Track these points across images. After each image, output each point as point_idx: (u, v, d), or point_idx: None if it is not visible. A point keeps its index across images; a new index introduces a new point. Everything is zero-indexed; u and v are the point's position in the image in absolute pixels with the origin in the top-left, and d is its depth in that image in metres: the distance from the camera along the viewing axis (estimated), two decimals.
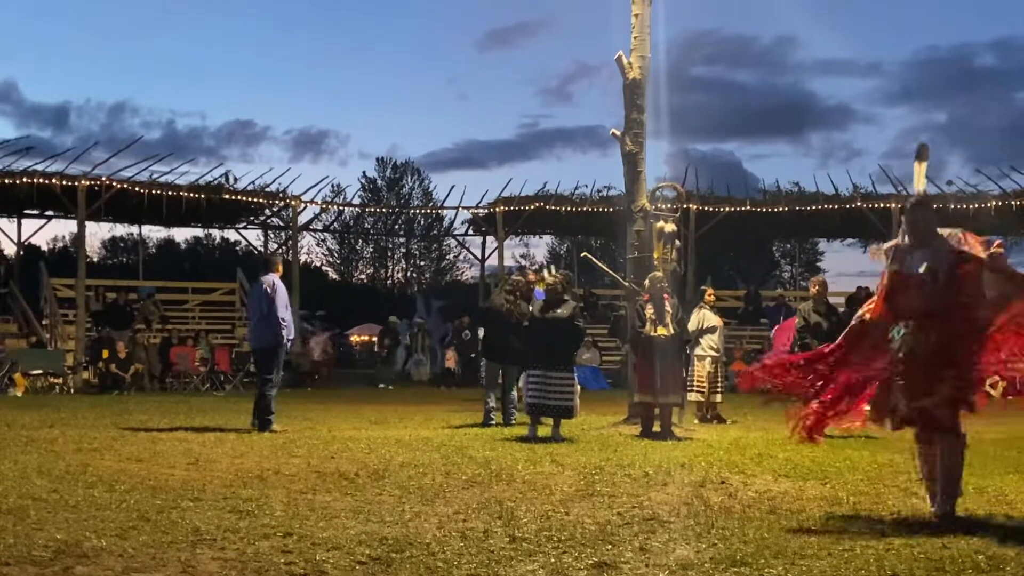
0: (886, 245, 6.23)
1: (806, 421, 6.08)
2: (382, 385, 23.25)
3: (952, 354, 5.88)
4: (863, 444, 9.49)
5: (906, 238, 6.01)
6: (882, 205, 25.31)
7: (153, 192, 24.08)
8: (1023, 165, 24.90)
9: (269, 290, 11.06)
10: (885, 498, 6.43)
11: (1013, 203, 24.15)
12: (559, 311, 10.74)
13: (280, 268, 11.53)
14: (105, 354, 20.18)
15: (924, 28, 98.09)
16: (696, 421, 13.11)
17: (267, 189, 26.25)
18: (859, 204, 25.70)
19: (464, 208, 28.28)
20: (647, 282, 11.53)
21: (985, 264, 5.80)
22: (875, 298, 6.11)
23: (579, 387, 11.11)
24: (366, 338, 37.57)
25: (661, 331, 11.09)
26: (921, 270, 5.78)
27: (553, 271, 11.45)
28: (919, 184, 6.69)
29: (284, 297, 11.15)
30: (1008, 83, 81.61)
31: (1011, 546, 4.87)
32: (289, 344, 11.43)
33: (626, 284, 13.18)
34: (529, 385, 10.75)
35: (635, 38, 12.77)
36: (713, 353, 13.68)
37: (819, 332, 11.45)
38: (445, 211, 31.19)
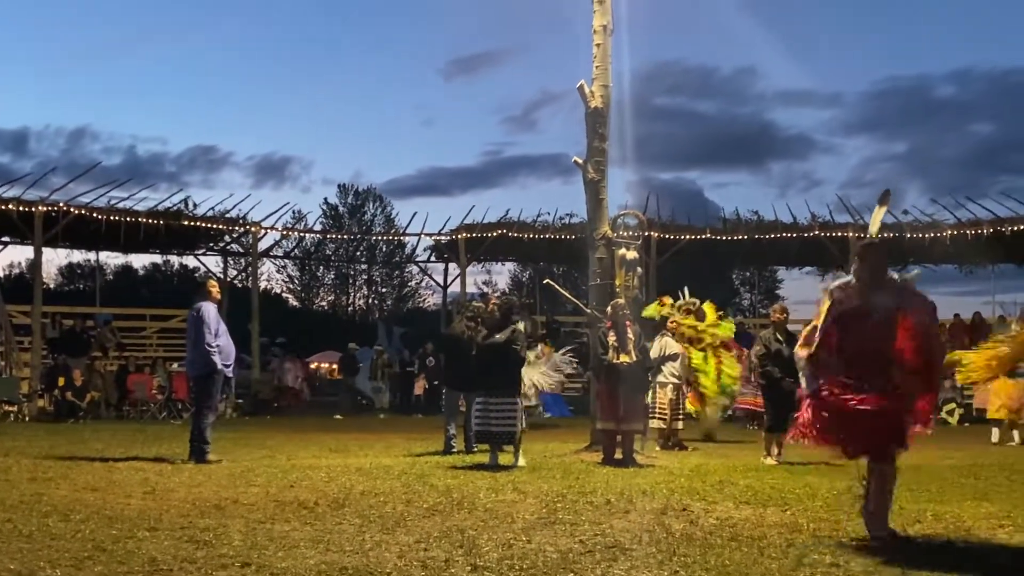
0: (837, 283, 6.30)
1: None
2: (378, 411, 23.17)
3: (904, 392, 5.96)
4: (823, 471, 9.55)
5: (861, 277, 6.11)
6: (839, 234, 25.62)
7: (111, 218, 23.87)
8: (979, 195, 25.37)
9: (195, 317, 10.93)
10: (844, 525, 6.46)
11: (968, 232, 24.51)
12: (497, 336, 10.74)
13: (214, 293, 11.24)
14: (61, 382, 19.92)
15: (884, 59, 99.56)
16: (658, 448, 13.14)
17: (227, 215, 26.10)
18: (817, 233, 26.00)
19: (426, 235, 28.29)
20: (609, 309, 11.56)
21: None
22: (808, 333, 6.24)
23: (544, 409, 11.11)
24: (326, 366, 37.28)
25: (624, 358, 11.12)
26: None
27: (494, 296, 11.48)
28: (875, 227, 6.85)
29: (214, 323, 10.83)
30: (965, 114, 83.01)
31: (968, 571, 4.91)
32: (228, 371, 11.19)
33: (588, 311, 13.21)
34: (474, 412, 10.75)
35: (597, 67, 12.88)
36: (675, 380, 13.75)
37: (780, 360, 11.56)
38: (407, 238, 31.16)
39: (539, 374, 15.70)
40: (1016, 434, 14.39)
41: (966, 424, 20.30)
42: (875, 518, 5.99)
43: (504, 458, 10.50)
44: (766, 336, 12.22)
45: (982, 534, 6.23)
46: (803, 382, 6.49)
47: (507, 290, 47.95)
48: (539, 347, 18.40)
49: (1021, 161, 79.19)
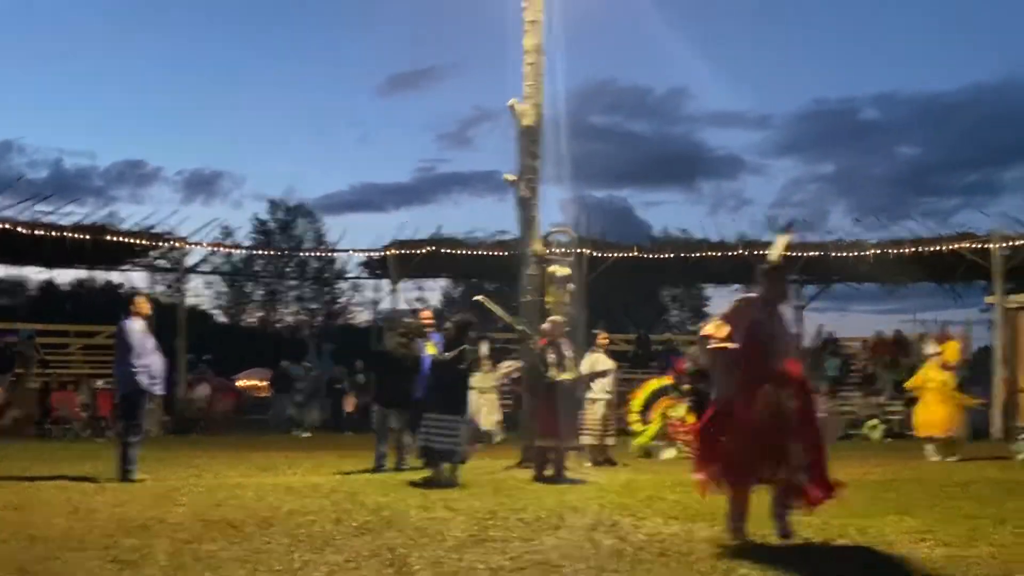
0: (744, 296, 6.79)
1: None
2: (299, 432, 22.82)
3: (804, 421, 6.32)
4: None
5: (765, 297, 6.55)
6: (766, 253, 26.00)
7: (35, 232, 23.33)
8: (902, 216, 26.01)
9: (121, 334, 10.80)
10: (771, 539, 6.56)
11: (890, 252, 25.08)
12: (445, 354, 10.79)
13: (143, 310, 11.08)
14: None
15: (811, 82, 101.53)
16: (588, 464, 13.20)
17: (153, 230, 25.68)
18: (744, 252, 26.39)
19: (358, 251, 28.13)
20: (548, 326, 11.60)
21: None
22: (719, 326, 6.48)
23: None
24: (255, 383, 36.81)
25: (565, 375, 11.22)
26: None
27: (424, 311, 11.54)
28: (775, 252, 7.12)
29: (140, 341, 10.72)
30: (890, 136, 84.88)
31: None
32: (156, 389, 11.05)
33: (520, 328, 13.25)
34: (421, 429, 10.76)
35: (529, 86, 12.97)
36: (606, 396, 13.84)
37: (709, 376, 11.72)
38: (338, 254, 30.94)
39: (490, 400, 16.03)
40: (932, 449, 14.73)
41: (888, 440, 20.72)
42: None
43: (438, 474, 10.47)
44: (695, 353, 12.39)
45: (904, 548, 6.36)
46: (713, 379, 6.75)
47: (440, 307, 47.88)
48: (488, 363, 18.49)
49: (943, 183, 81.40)
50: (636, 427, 15.92)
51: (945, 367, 15.31)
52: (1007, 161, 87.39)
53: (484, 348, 19.17)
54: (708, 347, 6.45)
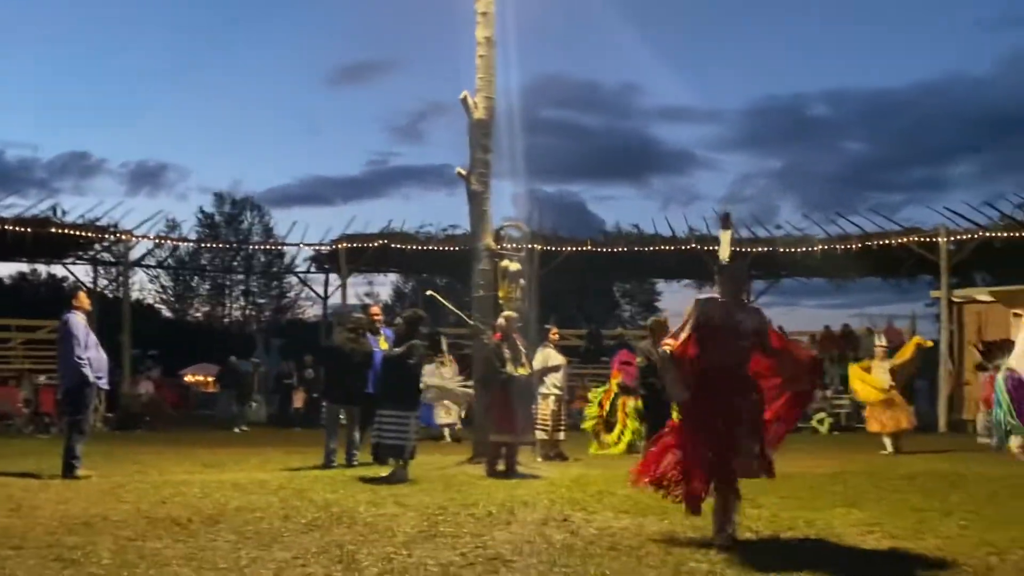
0: (703, 296, 6.68)
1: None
2: (240, 429, 22.56)
3: (758, 417, 6.38)
4: None
5: (724, 296, 6.52)
6: (716, 248, 26.15)
7: None
8: (849, 211, 26.29)
9: (63, 328, 10.66)
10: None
11: (838, 247, 25.36)
12: (395, 350, 10.71)
13: (84, 303, 10.94)
14: None
15: (761, 78, 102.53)
16: (539, 459, 13.18)
17: (97, 223, 25.27)
18: (695, 246, 26.56)
19: (306, 245, 27.91)
20: (503, 321, 11.53)
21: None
22: (675, 336, 6.50)
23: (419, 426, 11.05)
24: (201, 378, 36.42)
25: (520, 370, 11.18)
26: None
27: (375, 306, 11.46)
28: (724, 251, 7.21)
29: (83, 335, 10.58)
30: (838, 132, 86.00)
31: None
32: (101, 383, 10.91)
33: (472, 323, 13.19)
34: (373, 425, 10.68)
35: (480, 79, 12.91)
36: (557, 391, 13.83)
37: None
38: (286, 248, 30.68)
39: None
40: (889, 442, 14.92)
41: (835, 433, 20.98)
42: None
43: (386, 469, 10.40)
44: (645, 347, 12.40)
45: (851, 540, 6.42)
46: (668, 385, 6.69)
47: (391, 301, 47.74)
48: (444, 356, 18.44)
49: (889, 179, 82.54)
50: (603, 434, 15.78)
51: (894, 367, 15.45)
52: (953, 157, 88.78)
53: (443, 343, 19.20)
54: (662, 352, 6.45)
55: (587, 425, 16.12)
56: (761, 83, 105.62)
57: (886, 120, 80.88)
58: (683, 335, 6.38)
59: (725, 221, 7.45)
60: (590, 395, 17.09)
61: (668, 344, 6.42)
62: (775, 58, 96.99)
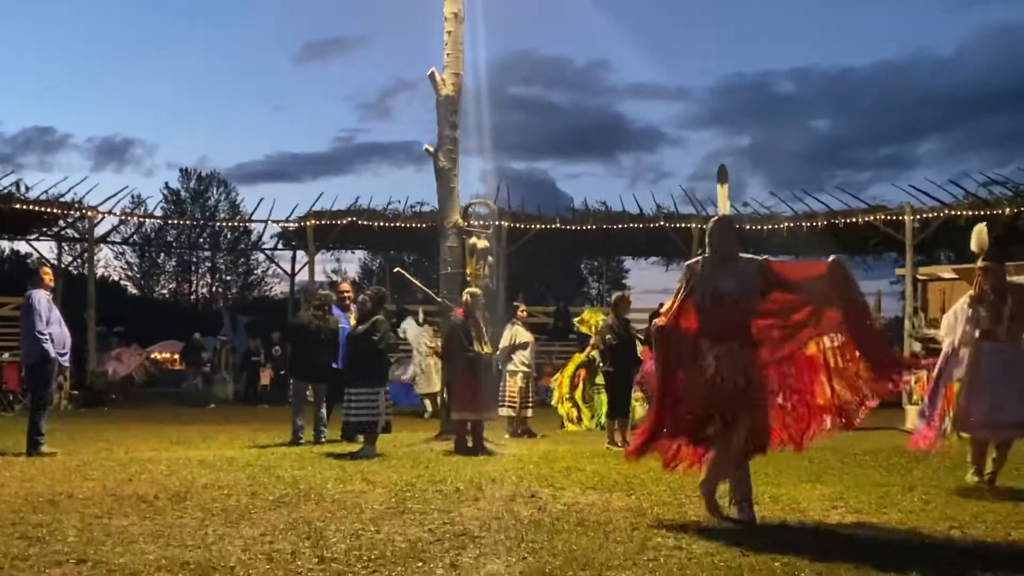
0: (690, 261, 6.50)
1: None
2: (212, 405, 22.48)
3: (760, 385, 6.11)
4: None
5: (710, 255, 6.32)
6: (683, 225, 26.31)
7: None
8: (816, 189, 26.41)
9: (26, 305, 10.62)
10: (687, 509, 6.63)
11: (804, 225, 25.51)
12: (360, 327, 10.70)
13: (47, 280, 10.91)
14: None
15: (729, 56, 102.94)
16: (507, 436, 13.24)
17: (62, 199, 24.95)
18: (662, 224, 26.64)
19: (273, 222, 27.71)
20: (468, 299, 11.52)
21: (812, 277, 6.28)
22: (669, 306, 6.42)
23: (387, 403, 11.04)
24: (167, 355, 36.17)
25: (485, 348, 11.20)
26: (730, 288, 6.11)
27: (343, 283, 11.45)
28: (722, 205, 7.11)
29: (45, 311, 10.53)
30: (805, 110, 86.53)
31: (805, 553, 5.10)
32: (63, 360, 10.87)
33: (439, 300, 13.18)
34: (343, 402, 10.67)
35: (448, 55, 12.83)
36: (524, 368, 13.86)
37: (623, 346, 11.92)
38: (253, 224, 30.42)
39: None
40: None
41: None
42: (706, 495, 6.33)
43: (355, 446, 10.39)
44: (610, 323, 12.47)
45: (816, 515, 6.49)
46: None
47: (356, 278, 47.58)
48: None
49: (856, 156, 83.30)
50: (571, 412, 15.75)
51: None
52: (919, 136, 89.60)
53: (420, 315, 19.27)
54: (648, 330, 6.45)
55: (561, 410, 15.95)
56: (729, 61, 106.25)
57: (852, 98, 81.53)
58: (674, 304, 6.32)
59: (721, 175, 7.35)
60: (552, 382, 16.99)
61: (661, 319, 6.41)
62: (743, 36, 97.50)
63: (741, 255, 6.37)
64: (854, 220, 24.94)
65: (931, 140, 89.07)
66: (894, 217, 24.25)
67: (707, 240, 6.37)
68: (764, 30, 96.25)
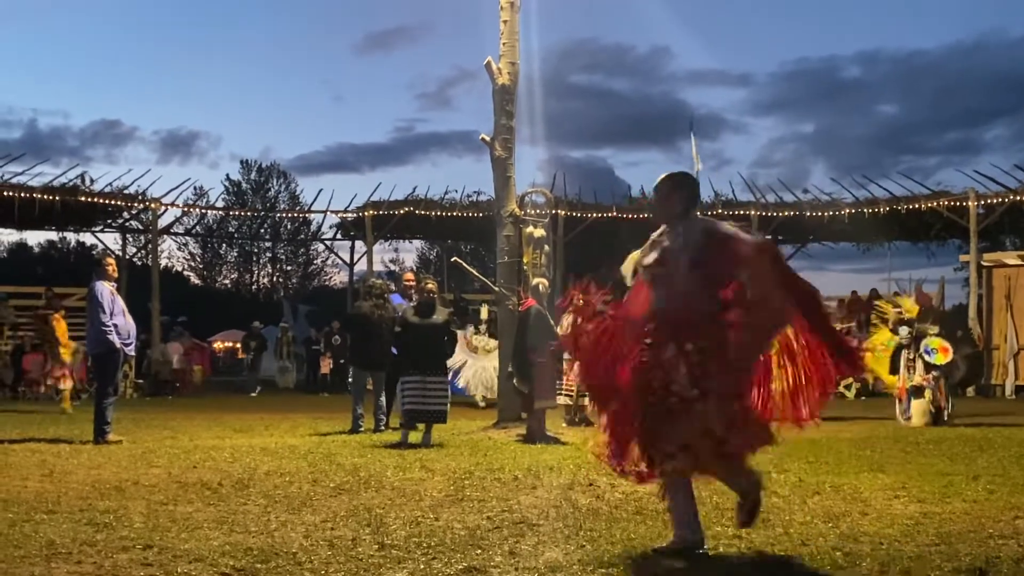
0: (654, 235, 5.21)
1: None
2: (253, 394, 22.79)
3: (710, 381, 4.70)
4: None
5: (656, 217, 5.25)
6: (742, 212, 26.05)
7: (5, 193, 23.04)
8: (880, 175, 25.97)
9: (91, 295, 10.85)
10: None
11: (866, 211, 25.15)
12: (435, 317, 10.78)
13: (110, 271, 11.14)
14: None
15: (793, 41, 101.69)
16: (564, 424, 13.23)
17: (126, 191, 25.41)
18: (720, 211, 26.39)
19: (332, 212, 27.95)
20: (541, 289, 11.53)
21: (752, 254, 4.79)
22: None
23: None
24: (229, 345, 36.71)
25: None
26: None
27: (408, 274, 11.48)
28: (696, 161, 6.40)
29: (109, 302, 10.75)
30: (871, 95, 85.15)
31: (866, 542, 5.06)
32: (128, 350, 11.09)
33: (496, 289, 13.21)
34: (406, 391, 10.69)
35: (504, 44, 12.83)
36: None
37: None
38: (312, 215, 30.73)
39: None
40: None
41: (863, 398, 20.88)
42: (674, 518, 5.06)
43: (413, 436, 10.46)
44: None
45: (879, 504, 6.41)
46: None
47: (414, 267, 47.79)
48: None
49: (923, 142, 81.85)
50: None
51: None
52: (988, 120, 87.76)
53: (484, 312, 19.27)
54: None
55: None
56: (793, 45, 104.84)
57: (919, 82, 79.97)
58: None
59: (692, 125, 6.74)
60: None
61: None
62: (807, 19, 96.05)
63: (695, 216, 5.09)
64: (917, 206, 24.52)
65: (1000, 124, 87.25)
66: (958, 203, 23.81)
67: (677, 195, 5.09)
68: (829, 13, 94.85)
